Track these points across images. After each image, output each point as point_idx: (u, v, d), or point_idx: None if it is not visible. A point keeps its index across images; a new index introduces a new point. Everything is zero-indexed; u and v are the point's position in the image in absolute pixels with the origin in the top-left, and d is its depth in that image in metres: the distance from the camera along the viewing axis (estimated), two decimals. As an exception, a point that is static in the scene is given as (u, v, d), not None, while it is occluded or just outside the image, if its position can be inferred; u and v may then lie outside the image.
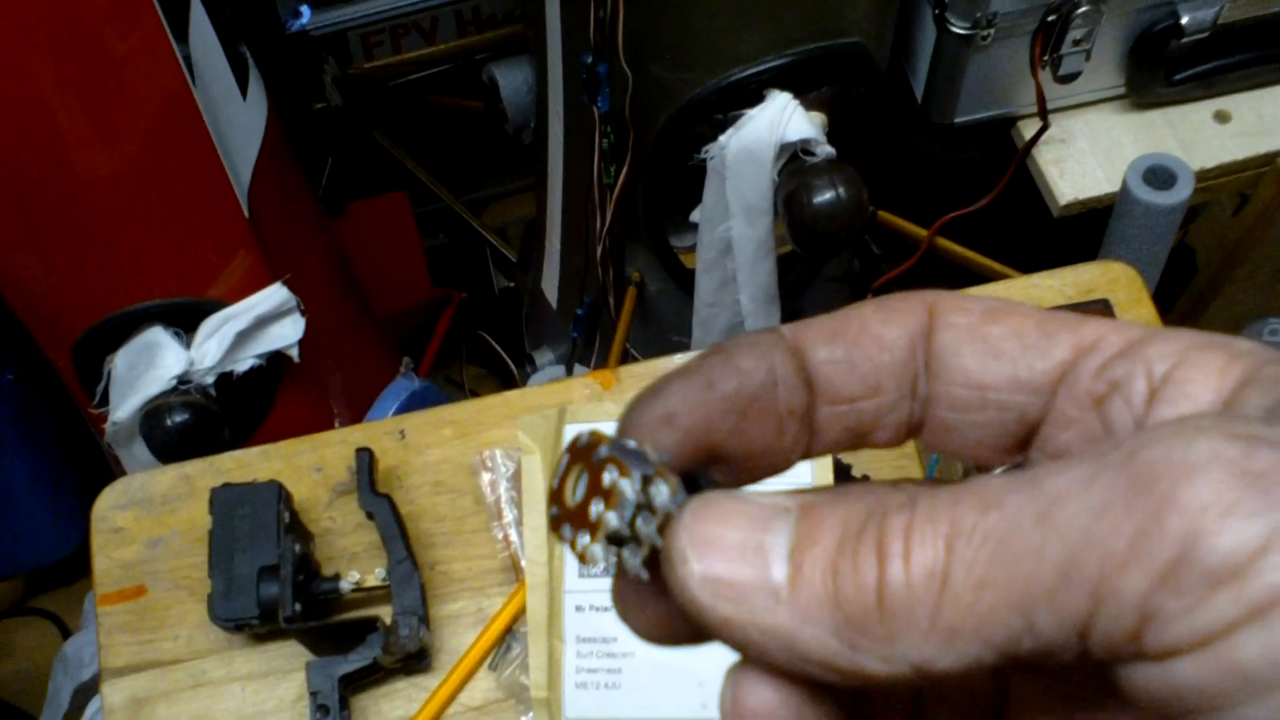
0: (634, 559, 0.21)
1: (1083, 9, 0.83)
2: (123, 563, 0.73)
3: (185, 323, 0.89)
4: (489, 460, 0.73)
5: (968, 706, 0.24)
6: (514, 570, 0.70)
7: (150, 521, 0.74)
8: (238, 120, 0.90)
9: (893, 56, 0.91)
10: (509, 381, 1.43)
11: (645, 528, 0.21)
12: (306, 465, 0.75)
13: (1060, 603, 0.17)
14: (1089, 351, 0.21)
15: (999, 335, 0.22)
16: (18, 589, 1.42)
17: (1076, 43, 0.86)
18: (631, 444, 0.21)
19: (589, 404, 0.73)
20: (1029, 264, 0.82)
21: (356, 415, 1.06)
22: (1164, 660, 0.17)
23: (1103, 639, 0.17)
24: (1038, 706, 0.23)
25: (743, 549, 0.20)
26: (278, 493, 0.68)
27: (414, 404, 1.05)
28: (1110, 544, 0.17)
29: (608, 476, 0.21)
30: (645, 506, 0.21)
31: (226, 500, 0.69)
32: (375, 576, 0.67)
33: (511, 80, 1.09)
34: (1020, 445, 0.23)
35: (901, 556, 0.18)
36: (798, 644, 0.19)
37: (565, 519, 0.22)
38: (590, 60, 0.77)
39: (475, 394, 1.47)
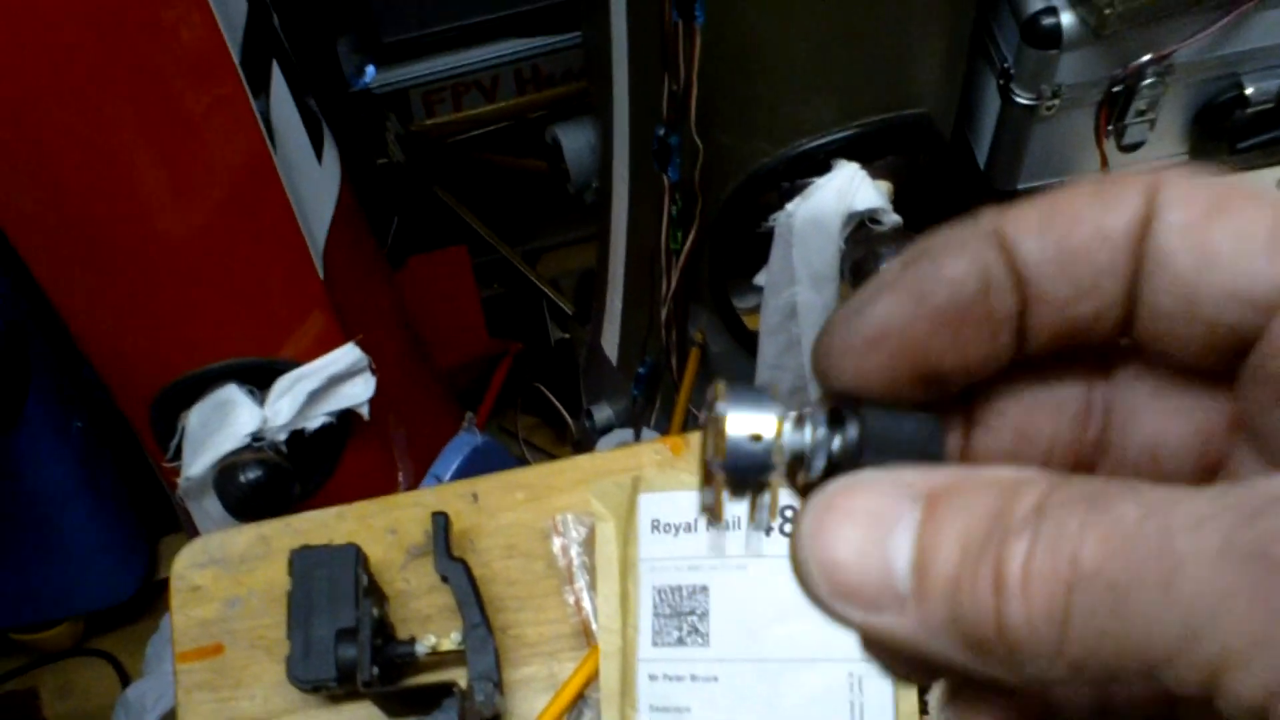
0: (762, 512, 0.21)
1: (1148, 81, 0.84)
2: (201, 621, 0.75)
3: (259, 381, 0.91)
4: (561, 525, 0.74)
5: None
6: (585, 635, 0.70)
7: (228, 581, 0.76)
8: (314, 181, 0.92)
9: (956, 125, 0.92)
10: (562, 431, 1.44)
11: (771, 469, 0.20)
12: (381, 527, 0.76)
13: (1180, 670, 0.17)
14: None
15: (1220, 235, 0.19)
16: (77, 630, 1.44)
17: (1141, 113, 0.87)
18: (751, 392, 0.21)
19: (663, 472, 0.74)
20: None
21: (420, 469, 1.08)
22: None
23: (1224, 709, 0.16)
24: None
25: (865, 553, 0.19)
26: (355, 555, 0.70)
27: (476, 459, 1.06)
28: (1232, 639, 0.16)
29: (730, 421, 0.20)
30: (768, 451, 0.20)
31: (305, 562, 0.70)
32: (450, 641, 0.68)
33: (575, 142, 1.11)
34: (1232, 360, 0.20)
35: (1020, 595, 0.17)
36: (929, 652, 0.18)
37: (705, 478, 0.21)
38: (663, 133, 0.79)
39: (530, 443, 1.48)
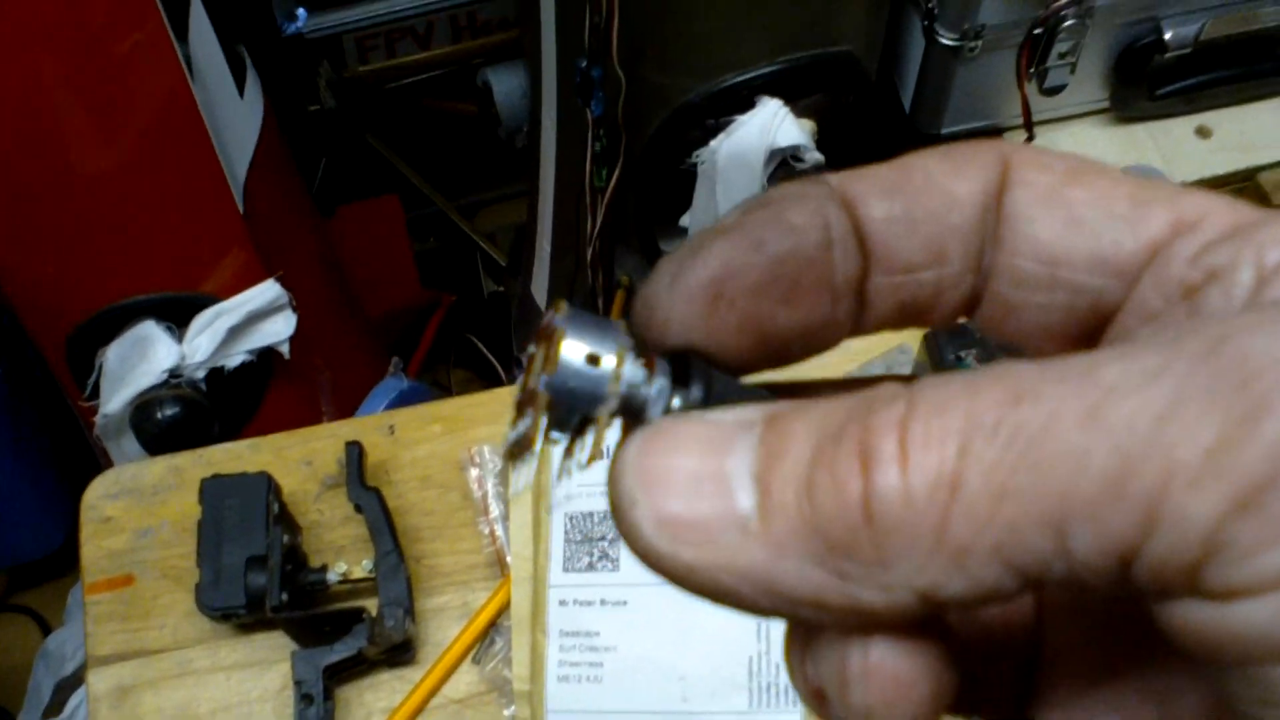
0: (583, 451, 0.18)
1: (1068, 23, 0.84)
2: (111, 552, 0.74)
3: (178, 317, 0.89)
4: (477, 456, 0.74)
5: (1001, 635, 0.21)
6: (499, 565, 0.70)
7: (140, 511, 0.75)
8: (235, 119, 0.90)
9: (882, 66, 0.93)
10: (497, 384, 1.44)
11: (604, 408, 0.18)
12: (296, 458, 0.76)
13: (1104, 521, 0.14)
14: (1187, 231, 0.18)
15: (1082, 201, 0.18)
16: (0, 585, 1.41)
17: (1062, 56, 0.87)
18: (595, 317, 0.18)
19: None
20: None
21: (345, 414, 1.07)
22: (1227, 601, 0.14)
23: (1151, 568, 0.14)
24: (1073, 642, 0.20)
25: (699, 479, 0.16)
26: (267, 484, 0.69)
27: (403, 403, 1.05)
28: (1179, 453, 0.13)
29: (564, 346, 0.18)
30: (601, 379, 0.18)
31: (216, 491, 0.69)
32: (362, 568, 0.68)
33: (505, 84, 1.10)
34: (1090, 335, 0.19)
35: (895, 459, 0.15)
36: (777, 582, 0.16)
37: (523, 404, 0.18)
38: (584, 64, 0.78)
39: (464, 395, 1.48)
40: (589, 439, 0.18)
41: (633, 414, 0.18)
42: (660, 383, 0.18)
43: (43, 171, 0.81)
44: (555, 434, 0.18)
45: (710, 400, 0.18)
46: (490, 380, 1.46)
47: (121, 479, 0.76)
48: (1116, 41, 0.88)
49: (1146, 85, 0.90)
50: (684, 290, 0.18)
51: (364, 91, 1.35)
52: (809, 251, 0.18)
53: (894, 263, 0.19)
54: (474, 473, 0.74)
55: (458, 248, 1.49)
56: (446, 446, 0.75)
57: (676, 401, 0.18)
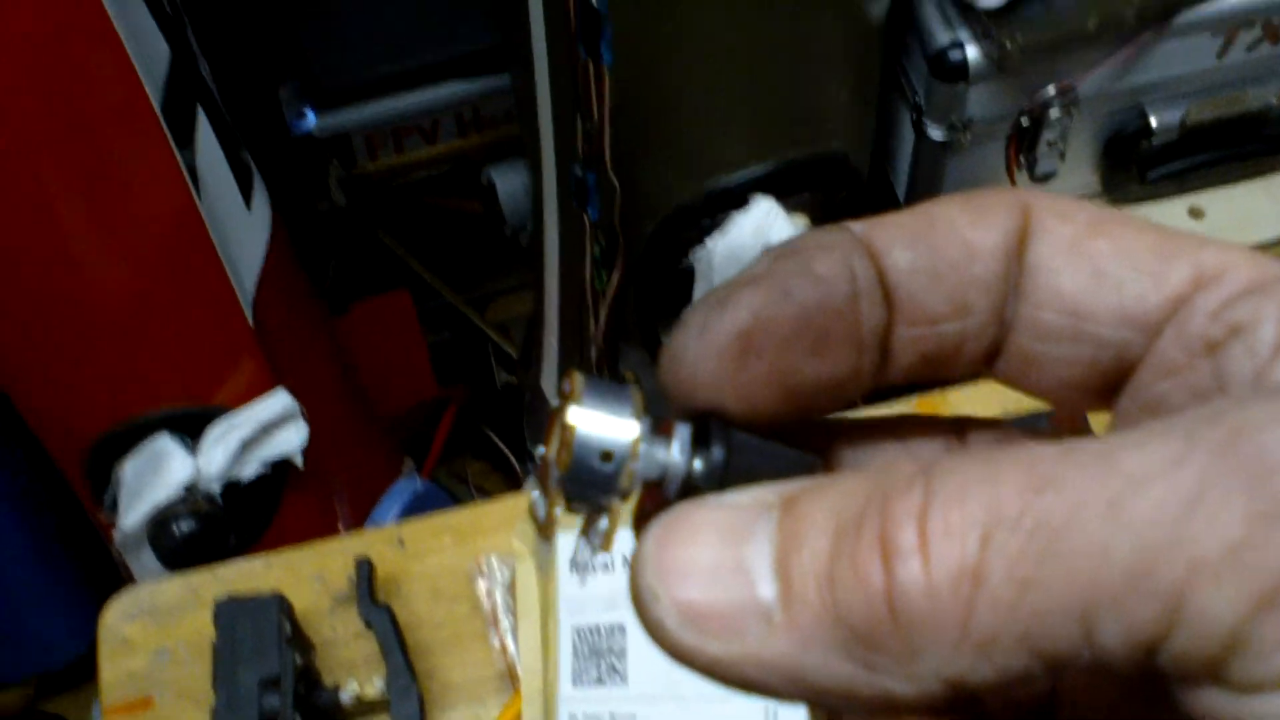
0: (595, 536, 0.18)
1: (1054, 113, 0.86)
2: (130, 673, 0.75)
3: (192, 429, 0.91)
4: (485, 567, 0.75)
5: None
6: (511, 678, 0.71)
7: (157, 632, 0.76)
8: (242, 232, 0.93)
9: (874, 160, 0.94)
10: (513, 476, 1.45)
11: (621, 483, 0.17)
12: (308, 574, 0.77)
13: (1129, 613, 0.14)
14: (1210, 284, 0.18)
15: (1105, 253, 0.18)
16: (27, 694, 1.42)
17: (1050, 144, 0.89)
18: (607, 382, 0.18)
19: (582, 510, 0.75)
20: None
21: (360, 516, 1.08)
22: (1249, 693, 0.14)
23: (1174, 658, 0.14)
24: (1090, 713, 0.20)
25: (718, 569, 0.16)
26: (279, 604, 0.70)
27: (416, 505, 1.06)
28: (1201, 549, 0.14)
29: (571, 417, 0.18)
30: (615, 458, 0.18)
31: (229, 613, 0.70)
32: (374, 688, 0.68)
33: (508, 184, 1.12)
34: (1111, 389, 0.19)
35: (916, 551, 0.15)
36: (805, 673, 0.15)
37: (539, 485, 0.19)
38: (579, 171, 0.80)
39: (481, 489, 1.49)
40: (604, 523, 0.19)
41: (653, 485, 0.18)
42: (678, 455, 0.18)
43: (49, 286, 0.83)
44: (572, 513, 0.18)
45: (731, 462, 0.18)
46: (505, 471, 1.47)
47: (139, 599, 0.77)
48: (1104, 128, 0.90)
49: (1136, 169, 0.92)
50: (713, 342, 0.18)
51: (373, 189, 1.38)
52: (837, 302, 0.18)
53: (918, 314, 0.19)
54: (483, 584, 0.75)
55: (470, 340, 1.50)
56: (456, 557, 0.76)
57: (697, 464, 0.18)
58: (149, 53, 0.77)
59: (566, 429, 0.18)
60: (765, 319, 0.18)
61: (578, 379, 0.18)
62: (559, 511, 0.19)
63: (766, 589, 0.16)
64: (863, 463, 0.21)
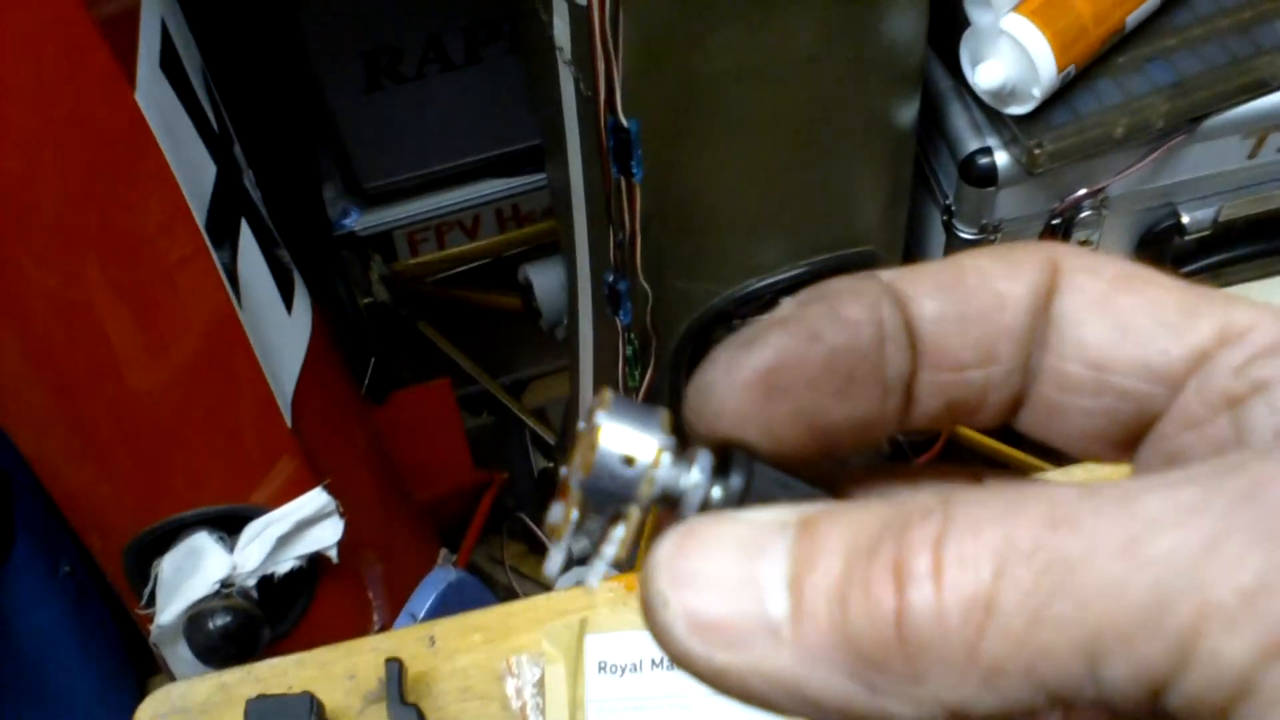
0: (612, 545, 0.18)
1: (1085, 213, 0.86)
2: (162, 773, 0.75)
3: (229, 527, 0.92)
4: (515, 666, 0.75)
5: None
6: (539, 781, 0.70)
7: (188, 731, 0.76)
8: (283, 337, 0.95)
9: (906, 259, 0.95)
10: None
11: (639, 496, 0.18)
12: (339, 673, 0.77)
13: (1138, 652, 0.14)
14: (1234, 340, 0.18)
15: (1131, 308, 0.18)
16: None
17: (1083, 243, 0.89)
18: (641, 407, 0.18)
19: (614, 611, 0.75)
20: (1052, 453, 0.84)
21: (395, 604, 1.08)
22: None
23: (1182, 700, 0.14)
24: None
25: (731, 581, 0.16)
26: (309, 705, 0.70)
27: (451, 595, 1.07)
28: (1215, 593, 0.14)
29: (600, 436, 0.18)
30: (633, 476, 0.18)
31: (260, 713, 0.71)
32: (402, 791, 0.68)
33: (546, 281, 1.14)
34: (1133, 441, 0.19)
35: (930, 577, 0.15)
36: (808, 690, 0.16)
37: (559, 495, 0.19)
38: (611, 279, 0.82)
39: (517, 571, 1.49)
40: (621, 532, 0.19)
41: (670, 505, 0.19)
42: (698, 476, 0.18)
43: (94, 391, 0.85)
44: (589, 524, 0.19)
45: (750, 491, 0.18)
46: (542, 554, 1.47)
47: (171, 698, 0.77)
48: (1136, 226, 0.90)
49: (1171, 266, 0.92)
50: (739, 378, 0.18)
51: (414, 283, 1.41)
52: (863, 346, 0.19)
53: (943, 360, 0.19)
54: (512, 684, 0.74)
55: (507, 425, 1.52)
56: (486, 656, 0.76)
57: (716, 491, 0.19)
58: (195, 172, 0.80)
59: (593, 431, 0.18)
60: (792, 359, 0.18)
61: (608, 394, 0.19)
62: (575, 515, 0.19)
63: (777, 604, 0.16)
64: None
